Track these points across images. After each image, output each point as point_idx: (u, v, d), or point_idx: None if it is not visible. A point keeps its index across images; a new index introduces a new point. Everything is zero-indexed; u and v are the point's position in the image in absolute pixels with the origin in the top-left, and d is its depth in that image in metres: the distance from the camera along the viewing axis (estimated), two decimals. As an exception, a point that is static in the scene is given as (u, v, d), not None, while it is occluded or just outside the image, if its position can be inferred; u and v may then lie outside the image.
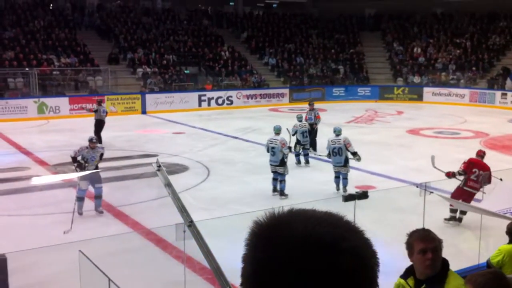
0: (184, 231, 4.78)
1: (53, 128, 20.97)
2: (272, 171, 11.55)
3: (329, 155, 11.80)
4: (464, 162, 9.78)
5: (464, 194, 9.51)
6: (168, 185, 3.82)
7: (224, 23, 36.36)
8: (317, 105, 18.49)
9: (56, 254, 7.67)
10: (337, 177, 11.66)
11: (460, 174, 9.60)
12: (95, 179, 10.30)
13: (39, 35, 27.82)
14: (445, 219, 9.62)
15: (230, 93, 28.27)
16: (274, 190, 11.54)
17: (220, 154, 15.92)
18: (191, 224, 3.61)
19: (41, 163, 14.70)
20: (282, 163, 11.39)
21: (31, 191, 11.93)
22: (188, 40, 31.87)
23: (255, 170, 13.67)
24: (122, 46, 29.46)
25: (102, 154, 10.83)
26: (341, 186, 11.58)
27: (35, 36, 27.58)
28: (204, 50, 31.49)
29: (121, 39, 29.79)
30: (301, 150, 14.37)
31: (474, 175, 9.53)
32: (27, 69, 24.77)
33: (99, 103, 17.81)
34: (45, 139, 18.48)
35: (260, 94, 29.25)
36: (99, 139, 15.21)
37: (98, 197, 10.27)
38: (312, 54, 34.22)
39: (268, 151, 11.60)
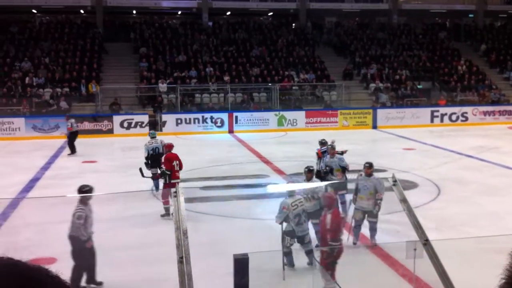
0: (415, 249, 4.81)
1: (290, 139, 22.46)
2: None
3: None
4: None
5: None
6: (404, 200, 3.79)
7: (462, 36, 34.90)
8: None
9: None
10: None
11: None
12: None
13: (282, 53, 30.15)
14: None
15: (465, 109, 27.04)
16: None
17: (452, 173, 15.42)
18: (426, 243, 3.54)
19: (279, 171, 15.97)
20: None
21: (269, 198, 13.11)
22: (422, 54, 31.35)
23: (490, 191, 13.06)
24: (357, 62, 30.30)
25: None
26: None
27: (278, 54, 29.98)
28: (439, 64, 30.67)
29: (356, 55, 30.66)
30: None
31: None
32: (270, 84, 27.09)
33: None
34: (283, 149, 19.94)
35: (499, 111, 27.35)
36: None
37: None
38: None
39: None
